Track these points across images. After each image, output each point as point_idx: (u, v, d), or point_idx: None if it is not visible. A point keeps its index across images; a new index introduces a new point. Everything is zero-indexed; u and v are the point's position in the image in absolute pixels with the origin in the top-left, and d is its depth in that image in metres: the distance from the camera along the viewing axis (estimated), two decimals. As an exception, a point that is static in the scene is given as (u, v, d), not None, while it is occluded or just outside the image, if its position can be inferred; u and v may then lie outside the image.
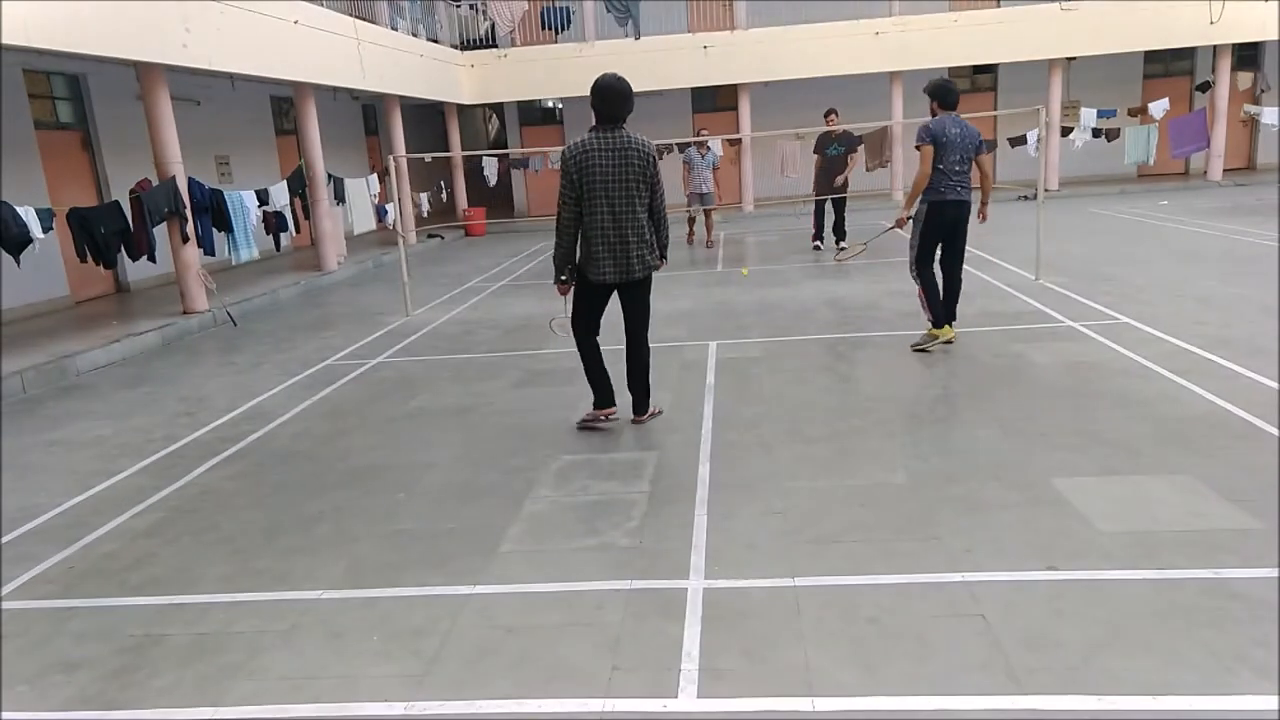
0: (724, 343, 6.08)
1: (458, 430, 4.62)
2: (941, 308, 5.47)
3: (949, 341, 5.45)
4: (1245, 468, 3.43)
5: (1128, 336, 5.55)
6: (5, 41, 5.93)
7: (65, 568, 3.28)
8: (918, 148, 5.30)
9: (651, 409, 4.45)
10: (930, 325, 5.51)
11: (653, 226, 4.21)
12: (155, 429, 5.03)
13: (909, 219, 5.54)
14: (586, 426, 4.41)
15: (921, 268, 5.48)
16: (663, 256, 4.33)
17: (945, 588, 2.69)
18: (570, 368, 5.78)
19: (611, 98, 4.00)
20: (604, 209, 4.04)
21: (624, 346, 4.40)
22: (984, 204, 5.73)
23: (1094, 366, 4.97)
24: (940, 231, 5.37)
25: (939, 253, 5.49)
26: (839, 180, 9.88)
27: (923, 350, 5.42)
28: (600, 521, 3.33)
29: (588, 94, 4.07)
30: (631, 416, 4.41)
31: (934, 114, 5.41)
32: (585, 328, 4.39)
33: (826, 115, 10.10)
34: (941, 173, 5.25)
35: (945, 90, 5.41)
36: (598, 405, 4.44)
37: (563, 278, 4.23)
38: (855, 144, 9.81)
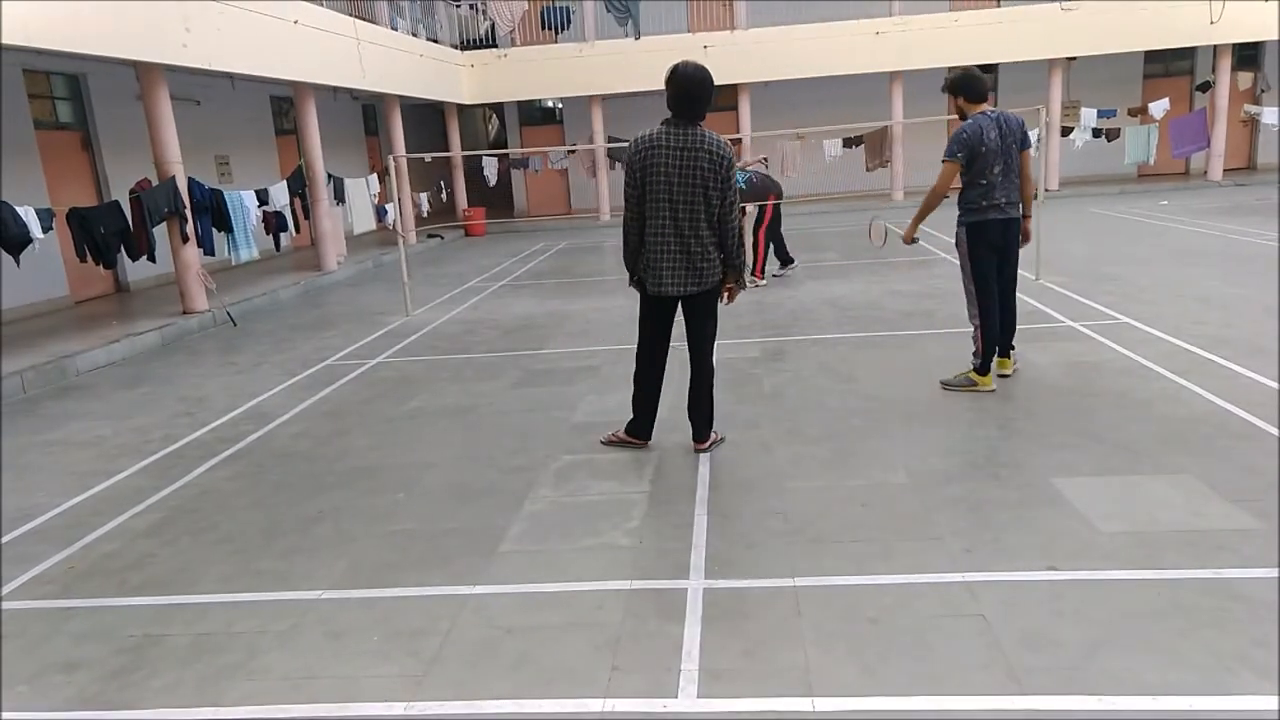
0: (723, 343, 6.05)
1: (457, 430, 4.61)
2: (994, 352, 4.62)
3: (990, 391, 4.59)
4: (1246, 468, 3.43)
5: (1128, 336, 5.55)
6: (5, 41, 5.93)
7: (65, 568, 3.27)
8: (945, 160, 4.40)
9: (713, 436, 4.00)
10: (973, 369, 4.64)
11: (720, 239, 3.69)
12: (155, 429, 5.03)
13: (915, 240, 4.73)
14: (610, 443, 4.14)
15: (983, 299, 4.54)
16: (739, 281, 3.84)
17: (945, 588, 2.69)
18: (570, 367, 5.79)
19: (693, 91, 3.52)
20: (665, 213, 3.60)
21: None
22: (1026, 218, 4.60)
23: (1094, 366, 4.96)
24: (991, 254, 4.50)
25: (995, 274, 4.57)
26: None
27: (951, 389, 4.66)
28: (600, 521, 3.32)
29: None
30: (692, 445, 3.98)
31: (962, 114, 4.47)
32: (646, 346, 3.93)
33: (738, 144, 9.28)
34: (984, 187, 4.37)
35: (969, 81, 4.43)
36: (631, 432, 4.06)
37: (635, 279, 3.83)
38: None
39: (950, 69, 4.34)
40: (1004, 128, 4.38)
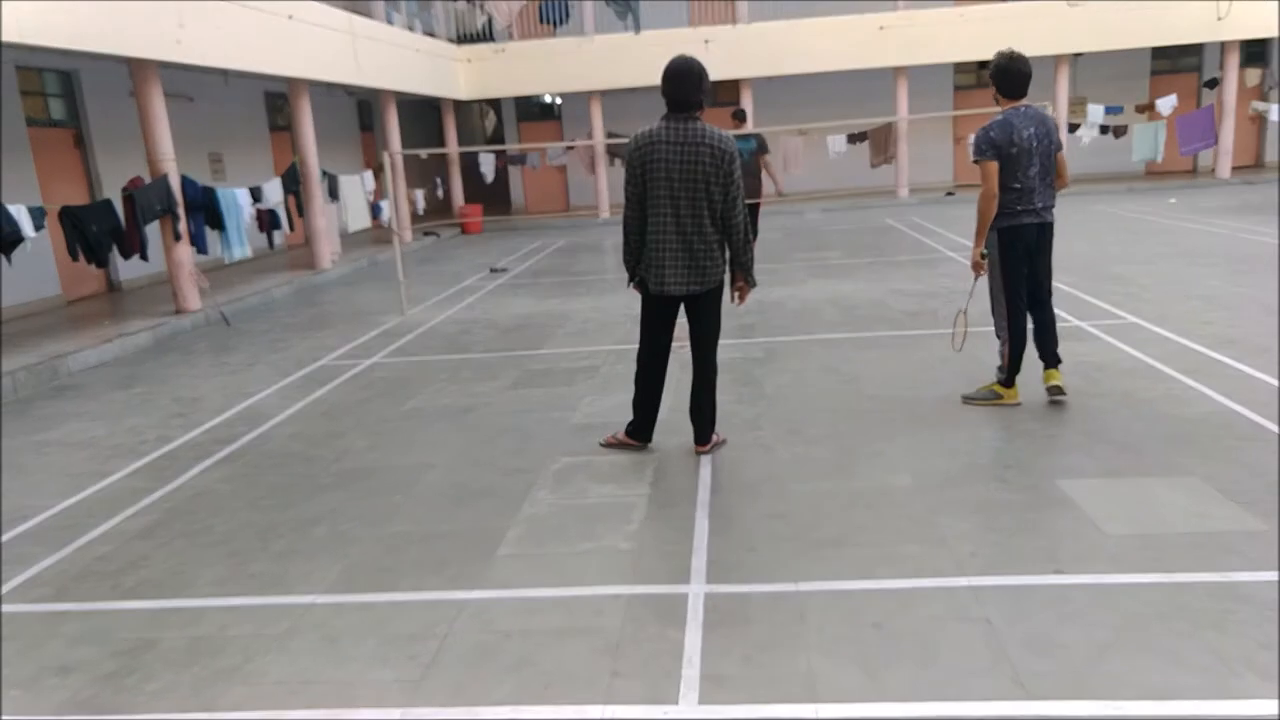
0: (725, 343, 5.98)
1: (455, 431, 4.57)
2: (1020, 365, 4.30)
3: (1015, 404, 4.32)
4: (1252, 469, 3.40)
5: (1134, 336, 5.52)
6: (2, 39, 5.87)
7: (58, 570, 3.24)
8: (975, 161, 4.12)
9: (715, 438, 3.96)
10: (997, 381, 4.38)
11: (725, 236, 3.65)
12: (148, 430, 4.99)
13: (984, 257, 4.26)
14: (610, 445, 4.10)
15: (1013, 312, 4.23)
16: (748, 279, 3.79)
17: (949, 591, 2.66)
18: (569, 368, 5.76)
19: (679, 81, 3.52)
20: (666, 210, 3.56)
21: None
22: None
23: (1100, 367, 4.94)
24: (1024, 259, 4.21)
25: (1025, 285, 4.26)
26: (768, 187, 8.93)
27: (974, 403, 4.38)
28: (600, 525, 3.30)
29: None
30: (694, 447, 3.94)
31: (1000, 105, 4.14)
32: (648, 347, 3.88)
33: (735, 116, 9.30)
34: (1018, 192, 4.07)
35: (1003, 74, 4.07)
36: (631, 434, 4.02)
37: (635, 280, 3.79)
38: (763, 146, 8.94)
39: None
40: (1040, 125, 4.07)
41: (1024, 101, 4.13)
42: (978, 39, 15.08)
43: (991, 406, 4.35)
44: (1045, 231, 4.24)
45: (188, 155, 10.04)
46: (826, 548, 3.00)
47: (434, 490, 3.77)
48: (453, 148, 16.24)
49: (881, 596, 2.66)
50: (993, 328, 4.44)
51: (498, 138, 20.79)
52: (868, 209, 15.26)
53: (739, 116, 9.41)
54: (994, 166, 4.06)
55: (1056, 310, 4.29)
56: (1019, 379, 4.36)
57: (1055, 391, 4.26)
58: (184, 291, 8.37)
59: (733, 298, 3.88)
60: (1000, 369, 4.39)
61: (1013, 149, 4.03)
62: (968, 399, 4.44)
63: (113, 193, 8.67)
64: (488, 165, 16.16)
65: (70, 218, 7.65)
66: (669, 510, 3.39)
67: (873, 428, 4.17)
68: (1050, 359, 4.32)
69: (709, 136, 3.53)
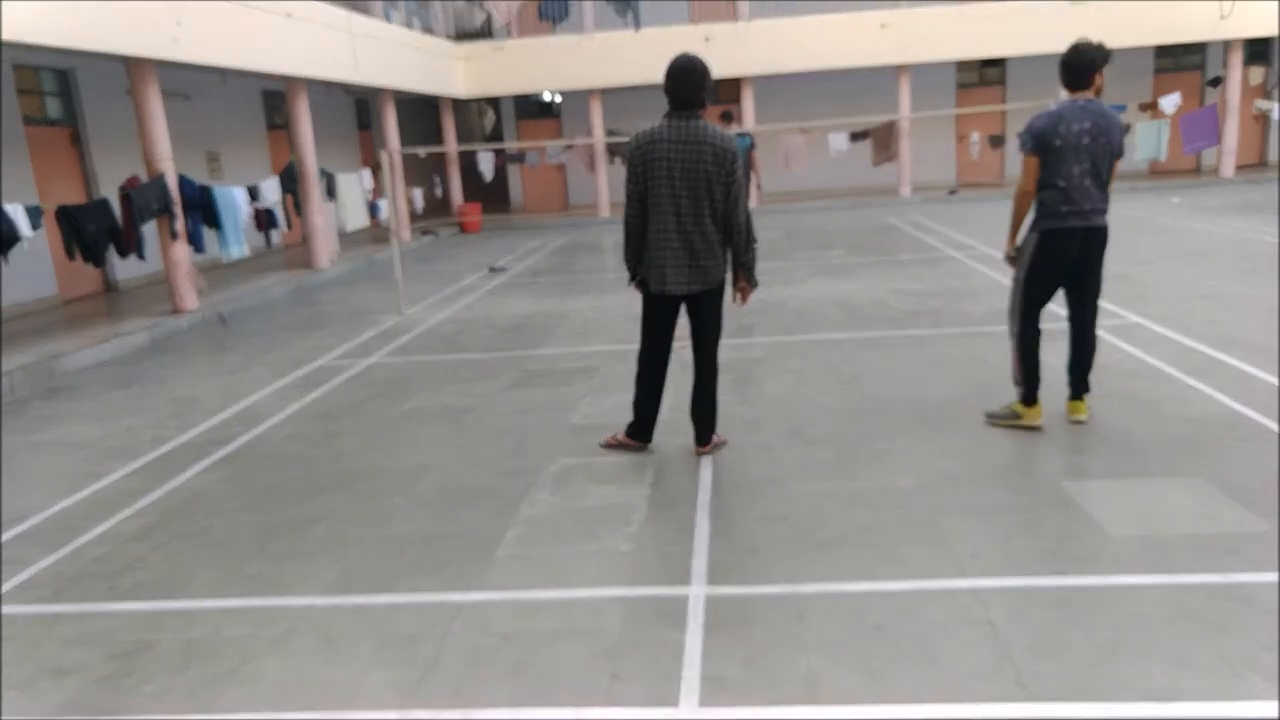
0: (726, 342, 5.96)
1: (453, 432, 4.56)
2: (1036, 378, 3.94)
3: (1035, 427, 3.94)
4: (1255, 470, 3.38)
5: (1138, 336, 5.49)
6: (-3, 37, 5.86)
7: (54, 572, 3.22)
8: (1020, 153, 3.87)
9: (716, 438, 3.94)
10: (1018, 399, 4.00)
11: (726, 236, 3.63)
12: (145, 431, 4.96)
13: (1016, 253, 3.98)
14: (609, 446, 4.08)
15: (1023, 322, 3.93)
16: (750, 279, 3.78)
17: (952, 593, 2.65)
18: (568, 368, 5.74)
19: (679, 76, 3.52)
20: (668, 209, 3.54)
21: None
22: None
23: (1103, 367, 4.88)
24: (1058, 272, 3.85)
25: (1050, 300, 3.95)
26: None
27: (997, 423, 4.04)
28: (599, 526, 3.28)
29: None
30: (695, 448, 3.91)
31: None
32: (648, 347, 3.87)
33: (723, 117, 9.46)
34: (1061, 191, 3.69)
35: (1061, 65, 3.80)
36: (631, 434, 3.99)
37: (636, 279, 3.76)
38: (749, 148, 9.28)
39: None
40: (1099, 121, 3.70)
41: (1087, 95, 3.77)
42: (980, 37, 15.06)
43: (985, 399, 4.29)
44: (1093, 239, 3.79)
45: (185, 154, 10.01)
46: (828, 549, 2.98)
47: (432, 491, 3.76)
48: (451, 146, 16.21)
49: (883, 598, 2.64)
50: (1005, 328, 4.26)
51: (496, 136, 20.75)
52: (870, 208, 15.24)
53: (726, 118, 9.43)
54: (1033, 162, 3.77)
55: (1056, 309, 4.12)
56: (1039, 395, 4.01)
57: (1078, 423, 3.99)
58: (181, 291, 8.34)
59: (734, 298, 3.87)
60: (1017, 383, 4.02)
61: (1056, 141, 3.70)
62: (990, 415, 4.12)
63: (110, 192, 8.65)
64: (486, 164, 16.13)
65: (67, 217, 7.62)
66: (669, 511, 3.38)
67: (874, 428, 4.15)
68: (1078, 386, 3.98)
69: (711, 135, 3.52)
